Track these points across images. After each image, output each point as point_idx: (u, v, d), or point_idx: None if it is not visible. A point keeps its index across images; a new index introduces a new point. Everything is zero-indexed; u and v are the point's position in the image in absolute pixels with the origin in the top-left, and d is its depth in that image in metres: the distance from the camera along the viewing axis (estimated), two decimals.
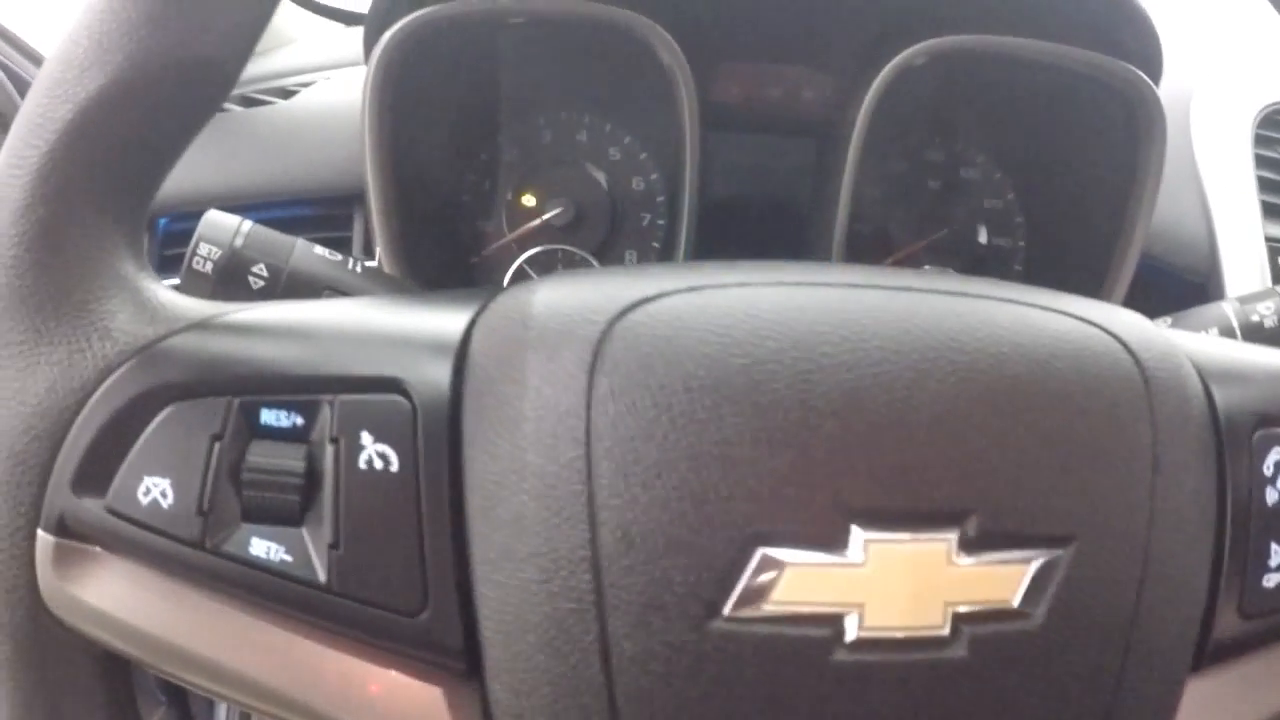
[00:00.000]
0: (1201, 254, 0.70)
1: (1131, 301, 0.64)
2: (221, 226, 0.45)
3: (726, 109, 0.69)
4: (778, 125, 0.71)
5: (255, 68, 0.77)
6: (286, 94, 0.73)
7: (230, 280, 0.44)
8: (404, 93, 0.58)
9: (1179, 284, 0.70)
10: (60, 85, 0.31)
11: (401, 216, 0.60)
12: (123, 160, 0.32)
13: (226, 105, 0.72)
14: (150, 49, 0.31)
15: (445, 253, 0.69)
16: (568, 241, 0.71)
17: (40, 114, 0.31)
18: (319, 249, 0.46)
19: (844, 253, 0.62)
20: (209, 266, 0.44)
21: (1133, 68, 0.60)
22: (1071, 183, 0.68)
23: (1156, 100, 0.60)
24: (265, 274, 0.44)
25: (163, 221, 0.68)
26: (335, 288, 0.45)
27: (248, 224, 0.45)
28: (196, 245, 0.44)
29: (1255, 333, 0.48)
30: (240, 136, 0.70)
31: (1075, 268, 0.67)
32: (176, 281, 0.44)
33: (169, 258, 0.68)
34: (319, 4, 0.90)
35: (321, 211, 0.68)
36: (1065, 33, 0.61)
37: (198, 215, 0.62)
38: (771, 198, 0.72)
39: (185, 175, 0.67)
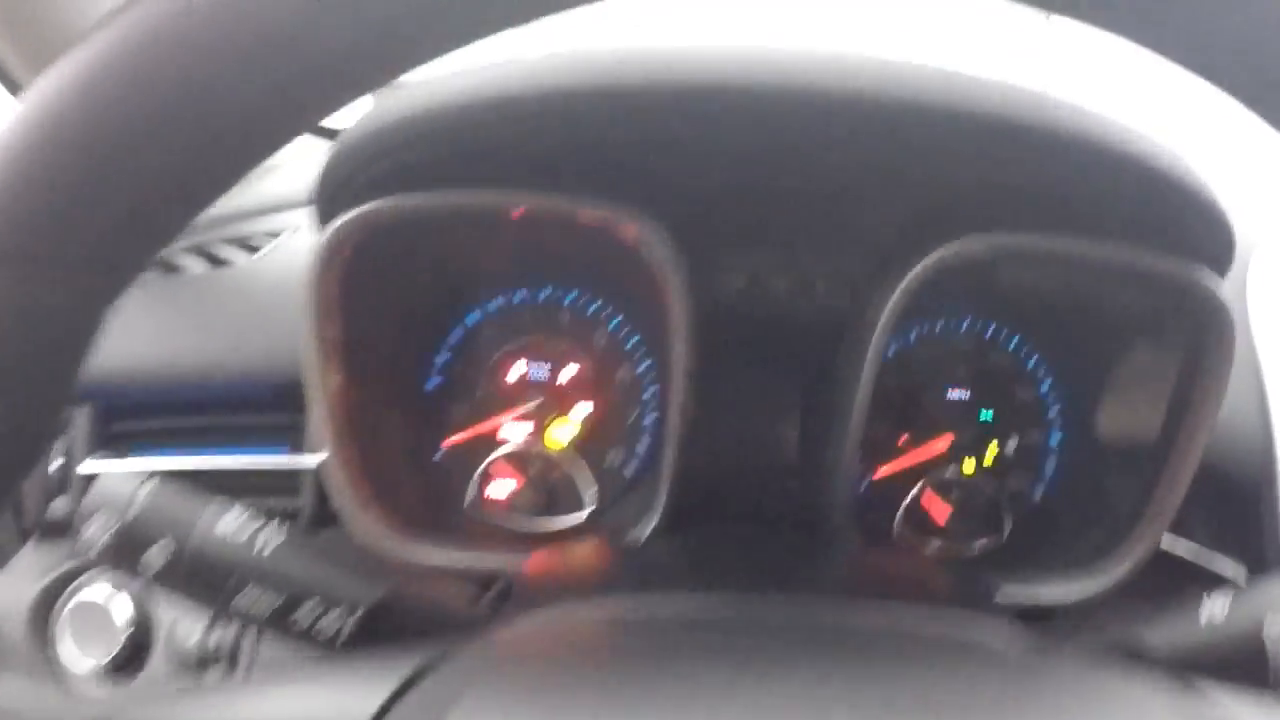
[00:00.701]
0: (1254, 453, 0.61)
1: None
2: (115, 495, 0.40)
3: (728, 300, 0.62)
4: (785, 318, 0.63)
5: (227, 202, 0.71)
6: (251, 248, 0.67)
7: (126, 558, 0.39)
8: (355, 278, 0.52)
9: (1224, 486, 0.61)
10: None
11: (352, 408, 0.53)
12: None
13: (184, 262, 0.66)
14: None
15: (403, 445, 0.62)
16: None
17: None
18: (226, 519, 0.41)
19: (856, 457, 0.55)
20: (105, 539, 0.39)
21: (1201, 272, 0.52)
22: (1119, 383, 0.61)
23: (1226, 312, 0.52)
24: (166, 552, 0.39)
25: (106, 397, 0.62)
26: (242, 573, 0.39)
27: (145, 490, 0.40)
28: (92, 513, 0.39)
29: None
30: (194, 304, 0.64)
31: (1118, 474, 0.60)
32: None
33: (116, 435, 0.63)
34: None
35: (275, 394, 0.61)
36: (1121, 219, 0.53)
37: (144, 390, 0.56)
38: (772, 401, 0.65)
39: (136, 346, 0.62)
